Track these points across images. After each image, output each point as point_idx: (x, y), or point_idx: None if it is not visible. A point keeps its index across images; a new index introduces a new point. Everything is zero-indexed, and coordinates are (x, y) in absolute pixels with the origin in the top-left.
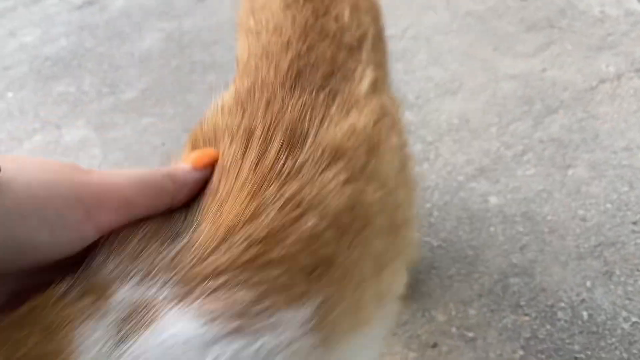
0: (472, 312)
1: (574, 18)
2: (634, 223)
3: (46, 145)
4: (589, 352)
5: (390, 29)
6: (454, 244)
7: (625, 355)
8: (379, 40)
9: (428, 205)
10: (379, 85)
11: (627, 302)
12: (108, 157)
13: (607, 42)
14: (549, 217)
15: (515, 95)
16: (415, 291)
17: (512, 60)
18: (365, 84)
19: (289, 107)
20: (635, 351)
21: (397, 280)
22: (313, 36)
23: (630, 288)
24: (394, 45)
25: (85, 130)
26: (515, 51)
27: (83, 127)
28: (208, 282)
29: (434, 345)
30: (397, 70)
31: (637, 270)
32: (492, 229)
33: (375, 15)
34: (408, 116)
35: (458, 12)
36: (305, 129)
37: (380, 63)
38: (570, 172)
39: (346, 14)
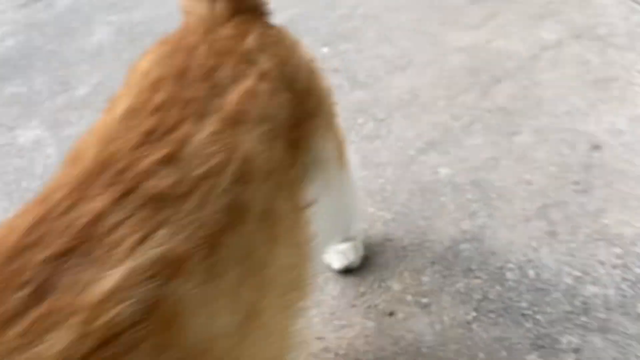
0: (425, 279)
1: None
2: (576, 183)
3: (0, 148)
4: (536, 308)
5: (341, 9)
6: (407, 215)
7: (568, 307)
8: (262, 166)
9: (381, 180)
10: (172, 264)
11: (569, 258)
12: (63, 156)
13: (548, 10)
14: (496, 184)
15: (462, 68)
16: (372, 263)
17: (458, 33)
18: (125, 268)
19: None
20: (577, 303)
21: None
22: (101, 180)
23: (572, 245)
24: (344, 25)
25: (39, 130)
26: (462, 24)
27: (37, 127)
28: None
29: (391, 314)
30: (347, 49)
31: (579, 227)
32: (442, 198)
33: (290, 124)
34: (360, 95)
35: None
36: None
37: (230, 209)
38: (516, 138)
39: (202, 134)
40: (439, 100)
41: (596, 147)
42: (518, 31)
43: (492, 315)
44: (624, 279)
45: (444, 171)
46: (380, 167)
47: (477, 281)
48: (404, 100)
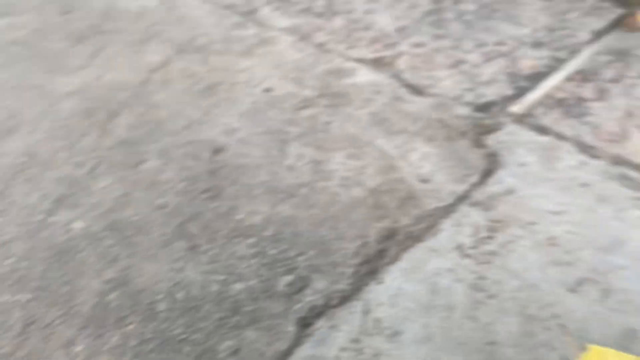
0: (78, 349)
1: (117, 18)
2: (206, 191)
3: None
4: (191, 328)
5: None
6: (47, 288)
7: (220, 314)
8: None
9: (12, 260)
10: None
11: (213, 265)
12: None
13: (150, 33)
14: (132, 219)
15: (76, 112)
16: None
17: (67, 78)
18: None
19: None
20: (227, 306)
21: None
22: None
23: (214, 251)
24: None
25: None
26: (68, 67)
27: None
28: None
29: None
30: None
31: (216, 232)
32: (81, 254)
33: None
34: None
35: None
36: None
37: None
38: (142, 167)
39: None
40: (59, 153)
41: (217, 150)
42: (125, 60)
43: (152, 355)
44: (262, 265)
45: (77, 225)
46: (8, 246)
47: (132, 327)
48: (21, 163)
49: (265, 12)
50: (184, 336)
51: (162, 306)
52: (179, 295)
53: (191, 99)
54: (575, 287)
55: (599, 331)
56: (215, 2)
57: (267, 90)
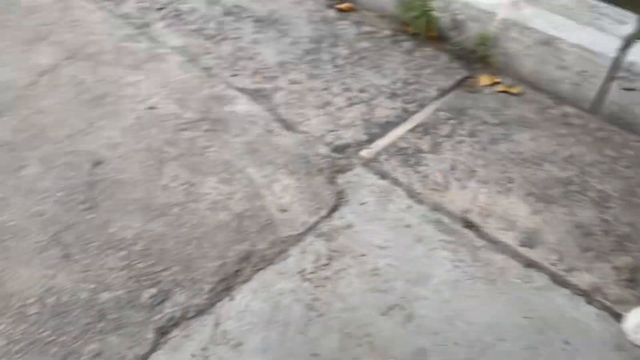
0: None
1: (8, 11)
2: (83, 202)
3: None
4: (59, 331)
5: None
6: None
7: (87, 319)
8: None
9: None
10: None
11: (84, 274)
12: None
13: (41, 32)
14: (9, 224)
15: None
16: None
17: None
18: None
19: None
20: (94, 313)
21: None
22: None
23: (86, 261)
24: None
25: None
26: None
27: None
28: None
29: None
30: None
31: (90, 243)
32: None
33: None
34: None
35: None
36: None
37: None
38: (23, 172)
39: None
40: None
41: (97, 163)
42: (13, 59)
43: (18, 355)
44: (130, 277)
45: None
46: None
47: (0, 327)
48: None
49: (158, 27)
50: (51, 338)
51: (33, 309)
52: (49, 300)
53: (77, 108)
54: (386, 311)
55: (398, 349)
56: (111, 9)
57: (152, 107)
